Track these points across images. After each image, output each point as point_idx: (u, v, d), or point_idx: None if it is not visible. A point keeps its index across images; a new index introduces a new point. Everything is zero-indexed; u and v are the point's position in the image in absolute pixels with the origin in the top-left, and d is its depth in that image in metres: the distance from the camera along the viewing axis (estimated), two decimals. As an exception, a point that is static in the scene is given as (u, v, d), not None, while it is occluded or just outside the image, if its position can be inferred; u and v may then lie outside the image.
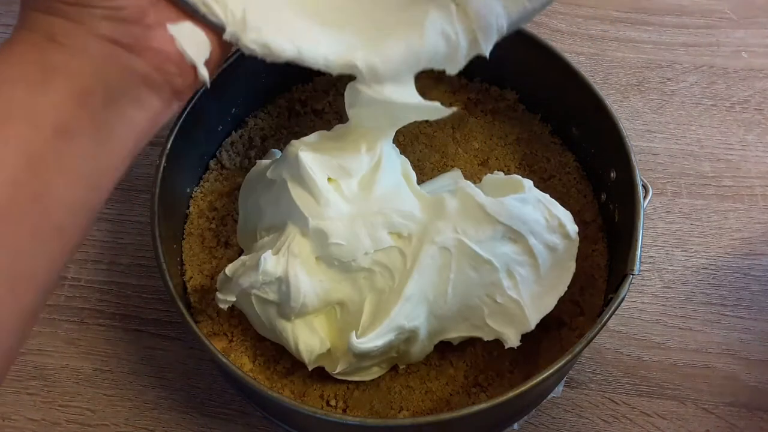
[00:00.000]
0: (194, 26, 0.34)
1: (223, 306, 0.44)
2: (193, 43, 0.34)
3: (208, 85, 0.36)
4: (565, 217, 0.45)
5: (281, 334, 0.44)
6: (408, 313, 0.42)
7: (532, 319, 0.43)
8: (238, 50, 0.53)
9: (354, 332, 0.41)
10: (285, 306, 0.42)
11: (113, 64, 0.31)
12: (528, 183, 0.45)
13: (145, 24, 0.32)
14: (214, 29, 0.35)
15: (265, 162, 0.49)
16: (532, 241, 0.43)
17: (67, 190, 0.30)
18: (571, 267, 0.45)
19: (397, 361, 0.46)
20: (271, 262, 0.41)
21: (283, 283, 0.42)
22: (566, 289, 0.45)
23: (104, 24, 0.31)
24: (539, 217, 0.44)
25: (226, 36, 0.35)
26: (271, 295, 0.42)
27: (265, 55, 0.36)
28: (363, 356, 0.42)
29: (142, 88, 0.33)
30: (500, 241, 0.43)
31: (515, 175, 0.46)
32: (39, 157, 0.29)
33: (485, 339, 0.44)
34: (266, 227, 0.46)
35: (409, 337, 0.43)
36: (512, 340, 0.43)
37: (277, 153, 0.51)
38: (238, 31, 0.35)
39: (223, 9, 0.35)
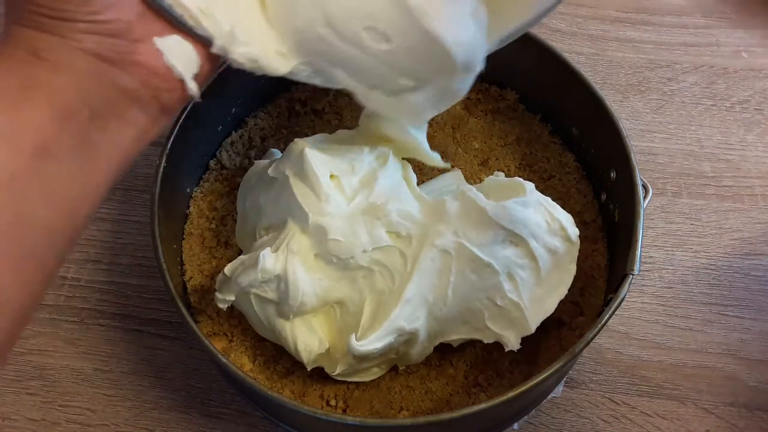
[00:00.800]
0: (182, 40, 0.33)
1: (223, 306, 0.44)
2: (181, 57, 0.33)
3: (198, 99, 0.35)
4: (566, 220, 0.45)
5: (280, 334, 0.44)
6: (408, 316, 0.42)
7: (533, 322, 0.43)
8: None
9: (354, 334, 0.41)
10: (284, 305, 0.42)
11: (98, 80, 0.30)
12: (530, 186, 0.45)
13: (131, 38, 0.31)
14: (203, 42, 0.34)
15: (263, 162, 0.49)
16: (533, 244, 0.43)
17: (46, 213, 0.29)
18: (572, 270, 0.45)
19: (396, 362, 0.46)
20: (270, 260, 0.41)
21: (281, 281, 0.42)
22: (566, 291, 0.45)
23: (88, 38, 0.30)
24: (540, 220, 0.44)
25: (215, 49, 0.34)
26: (270, 294, 0.42)
27: (253, 69, 0.36)
28: (362, 358, 0.42)
29: (128, 105, 0.32)
30: (501, 245, 0.43)
31: (517, 178, 0.46)
32: (17, 179, 0.27)
33: (485, 341, 0.44)
34: (265, 226, 0.46)
35: (408, 338, 0.43)
36: (512, 342, 0.43)
37: (277, 153, 0.51)
38: (227, 45, 0.35)
39: (211, 22, 0.34)
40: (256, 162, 0.50)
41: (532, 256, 0.43)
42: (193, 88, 0.34)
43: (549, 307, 0.44)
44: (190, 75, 0.34)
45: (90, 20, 0.30)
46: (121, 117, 0.32)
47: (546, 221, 0.44)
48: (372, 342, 0.41)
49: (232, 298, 0.43)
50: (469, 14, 0.35)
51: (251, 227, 0.47)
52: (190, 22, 0.33)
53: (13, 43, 0.30)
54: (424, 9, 0.34)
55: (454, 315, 0.44)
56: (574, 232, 0.45)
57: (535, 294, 0.44)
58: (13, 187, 0.27)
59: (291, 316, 0.43)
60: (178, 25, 0.33)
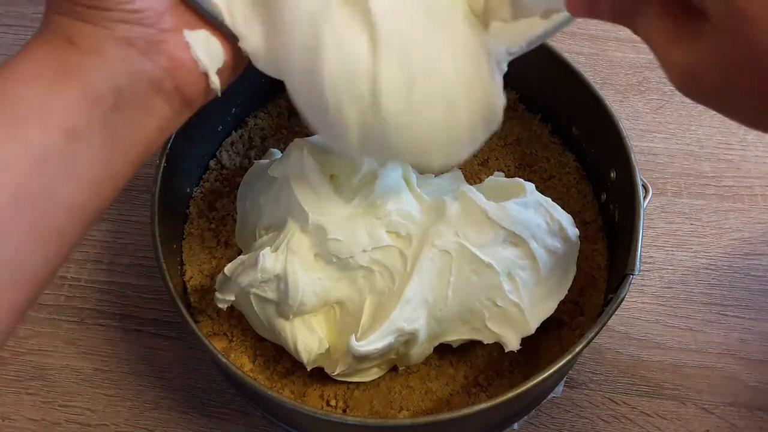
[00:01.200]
0: (210, 34, 0.34)
1: (223, 306, 0.44)
2: (207, 50, 0.34)
3: (219, 94, 0.36)
4: (566, 220, 0.45)
5: (280, 334, 0.44)
6: (408, 316, 0.42)
7: (533, 323, 0.43)
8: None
9: (354, 335, 0.41)
10: (283, 304, 0.42)
11: (126, 68, 0.32)
12: (530, 186, 0.46)
13: (160, 27, 0.32)
14: (228, 38, 0.35)
15: (263, 162, 0.49)
16: (533, 245, 0.43)
17: (71, 193, 0.30)
18: (572, 270, 0.45)
19: (396, 363, 0.46)
20: (269, 260, 0.41)
21: (281, 280, 0.42)
22: (566, 292, 0.45)
23: (120, 26, 0.31)
24: (540, 221, 0.44)
25: (241, 44, 0.35)
26: (270, 294, 0.42)
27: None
28: (362, 358, 0.42)
29: (153, 95, 0.33)
30: (501, 245, 0.43)
31: (517, 179, 0.46)
32: (46, 159, 0.29)
33: (485, 342, 0.44)
34: (265, 226, 0.46)
35: (408, 339, 0.43)
36: (513, 343, 0.43)
37: (276, 153, 0.51)
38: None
39: (244, 21, 0.35)
40: (256, 162, 0.50)
41: (532, 256, 0.43)
42: (215, 82, 0.35)
43: (549, 307, 0.44)
44: (214, 69, 0.34)
45: (122, 9, 0.31)
46: (145, 106, 0.33)
47: (546, 222, 0.44)
48: (372, 342, 0.41)
49: (232, 298, 0.43)
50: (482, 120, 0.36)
51: (251, 227, 0.47)
52: (221, 17, 0.34)
53: (51, 30, 0.31)
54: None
55: (454, 315, 0.44)
56: (573, 232, 0.45)
57: (535, 294, 0.44)
58: (42, 167, 0.29)
59: (291, 316, 0.43)
60: (208, 18, 0.34)
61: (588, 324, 0.47)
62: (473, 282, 0.43)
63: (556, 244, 0.44)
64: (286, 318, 0.43)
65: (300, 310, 0.43)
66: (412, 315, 0.42)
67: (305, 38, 0.33)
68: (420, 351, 0.45)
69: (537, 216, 0.44)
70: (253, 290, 0.42)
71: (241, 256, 0.44)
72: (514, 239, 0.43)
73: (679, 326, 0.55)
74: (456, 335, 0.45)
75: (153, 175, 0.47)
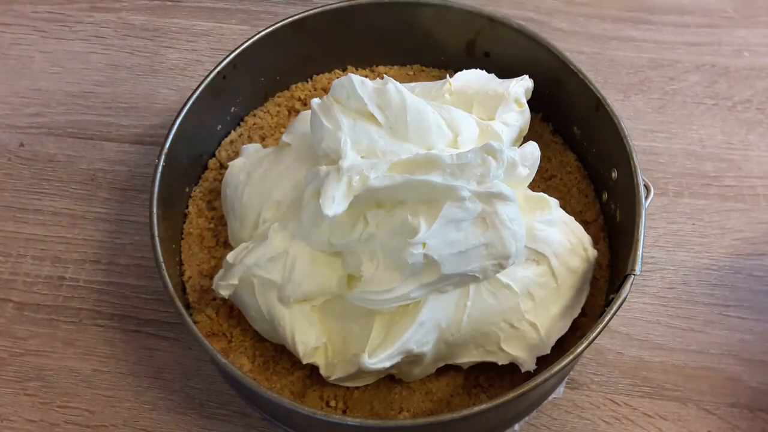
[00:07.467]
0: None
1: (225, 293, 0.44)
2: None
3: None
4: (587, 240, 0.46)
5: (279, 324, 0.44)
6: (419, 339, 0.42)
7: (549, 342, 0.43)
8: (234, 50, 0.53)
9: (365, 353, 0.41)
10: (286, 284, 0.42)
11: None
12: (554, 202, 0.46)
13: None
14: None
15: (239, 161, 0.50)
16: (554, 263, 0.44)
17: None
18: (586, 289, 0.46)
19: (395, 375, 0.46)
20: (279, 234, 0.42)
21: (288, 256, 0.42)
22: (580, 311, 0.45)
23: None
24: (564, 239, 0.44)
25: None
26: (274, 274, 0.43)
27: None
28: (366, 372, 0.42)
29: None
30: (522, 264, 0.43)
31: (542, 194, 0.46)
32: None
33: (499, 363, 0.44)
34: (276, 199, 0.46)
35: (414, 360, 0.43)
36: (528, 364, 0.43)
37: (249, 148, 0.52)
38: None
39: None
40: (231, 163, 0.50)
41: (552, 274, 0.44)
42: None
43: (564, 326, 0.45)
44: None
45: None
46: None
47: (569, 240, 0.45)
48: (382, 361, 0.41)
49: (236, 282, 0.43)
50: None
51: (253, 218, 0.47)
52: None
53: None
54: None
55: (467, 339, 0.43)
56: (592, 253, 0.46)
57: (552, 313, 0.44)
58: None
59: (291, 300, 0.43)
60: None
61: (589, 324, 0.46)
62: (490, 305, 0.43)
63: (576, 263, 0.45)
64: (287, 304, 0.43)
65: (302, 291, 0.43)
66: (423, 338, 0.42)
67: None
68: (421, 371, 0.45)
69: (560, 235, 0.44)
70: (258, 272, 0.42)
71: (243, 244, 0.44)
72: (536, 257, 0.44)
73: (680, 327, 0.54)
74: (467, 358, 0.45)
75: (151, 174, 0.47)
